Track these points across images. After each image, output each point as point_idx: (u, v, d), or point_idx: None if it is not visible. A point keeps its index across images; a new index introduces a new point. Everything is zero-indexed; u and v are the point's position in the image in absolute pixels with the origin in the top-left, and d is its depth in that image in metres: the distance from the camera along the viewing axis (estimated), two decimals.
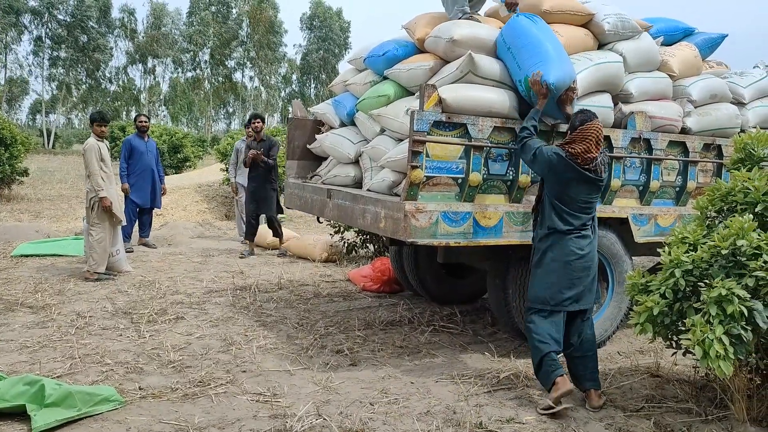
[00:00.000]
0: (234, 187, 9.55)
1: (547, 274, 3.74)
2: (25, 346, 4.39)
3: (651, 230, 4.88)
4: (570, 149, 3.67)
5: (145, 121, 8.51)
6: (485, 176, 4.16)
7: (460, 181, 4.11)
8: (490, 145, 4.12)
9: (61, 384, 3.40)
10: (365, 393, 3.82)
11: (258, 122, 8.30)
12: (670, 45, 5.41)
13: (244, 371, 4.11)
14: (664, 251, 3.39)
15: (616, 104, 4.72)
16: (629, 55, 4.73)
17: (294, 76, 61.95)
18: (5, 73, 50.45)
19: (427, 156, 3.94)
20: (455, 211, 4.05)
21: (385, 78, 4.92)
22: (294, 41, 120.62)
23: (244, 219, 8.73)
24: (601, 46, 4.81)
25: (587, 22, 4.72)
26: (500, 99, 4.17)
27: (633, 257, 4.99)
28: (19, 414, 3.25)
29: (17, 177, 13.51)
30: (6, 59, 49.70)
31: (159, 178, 8.55)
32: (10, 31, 48.01)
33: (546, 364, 3.65)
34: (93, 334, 4.72)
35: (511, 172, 4.26)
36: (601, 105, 4.52)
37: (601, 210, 4.65)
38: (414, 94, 4.63)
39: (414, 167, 3.88)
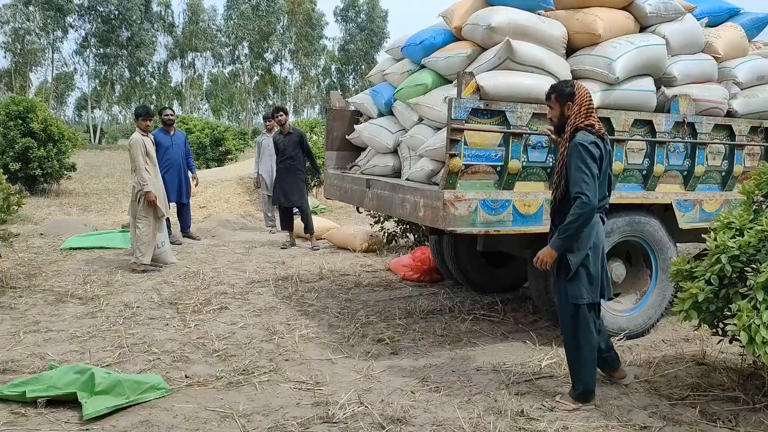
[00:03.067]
0: (257, 180, 9.70)
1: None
2: (76, 336, 4.55)
3: (696, 216, 4.76)
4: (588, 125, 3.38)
5: (171, 115, 8.50)
6: (524, 163, 4.12)
7: (499, 168, 4.08)
8: (529, 132, 4.07)
9: (110, 373, 3.51)
10: (406, 381, 3.85)
11: (282, 115, 8.22)
12: (715, 26, 5.23)
13: (287, 360, 4.18)
14: (709, 237, 3.31)
15: (658, 88, 4.61)
16: (672, 37, 4.60)
17: (333, 68, 62.22)
18: (53, 71, 52.16)
19: (466, 144, 3.93)
20: (494, 199, 4.03)
21: (423, 67, 4.92)
22: (333, 33, 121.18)
23: (264, 211, 8.75)
24: (643, 29, 4.69)
25: (628, 5, 4.60)
26: (539, 84, 4.11)
27: (677, 244, 4.88)
28: (70, 401, 3.37)
29: (65, 172, 13.92)
30: (53, 57, 51.34)
31: (189, 170, 8.53)
32: (56, 30, 49.57)
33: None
34: (140, 324, 4.87)
35: (550, 159, 4.21)
36: (643, 89, 4.42)
37: (645, 196, 4.56)
38: (452, 82, 4.61)
39: (452, 156, 3.87)
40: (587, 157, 3.28)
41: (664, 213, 4.72)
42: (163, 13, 54.70)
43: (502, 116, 4.01)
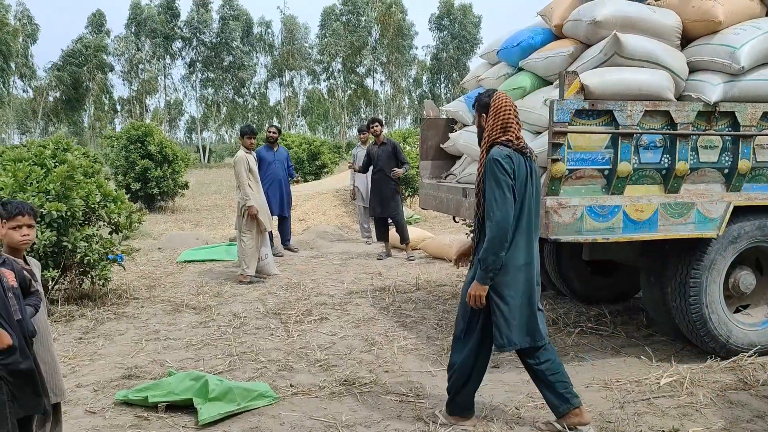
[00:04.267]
0: (352, 192, 9.80)
1: None
2: (191, 344, 4.78)
3: None
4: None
5: (275, 132, 8.79)
6: (636, 166, 3.85)
7: (606, 172, 3.83)
8: (640, 131, 3.80)
9: (222, 380, 3.67)
10: (510, 396, 3.69)
11: (377, 126, 8.28)
12: None
13: (387, 371, 4.15)
14: None
15: None
16: None
17: (424, 77, 62.52)
18: (165, 97, 56.12)
19: (569, 147, 3.72)
20: (602, 204, 3.79)
21: (521, 69, 4.75)
22: (423, 42, 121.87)
23: (360, 222, 8.78)
24: None
25: None
26: (651, 80, 3.84)
27: None
28: (187, 407, 3.54)
29: (179, 190, 14.87)
30: (165, 83, 55.29)
31: (288, 184, 8.76)
32: (165, 57, 53.42)
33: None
34: (248, 333, 5.03)
35: (666, 160, 3.90)
36: None
37: None
38: (552, 84, 4.41)
39: (555, 160, 3.69)
40: (499, 173, 2.99)
41: None
42: (263, 33, 57.40)
43: (610, 116, 3.76)
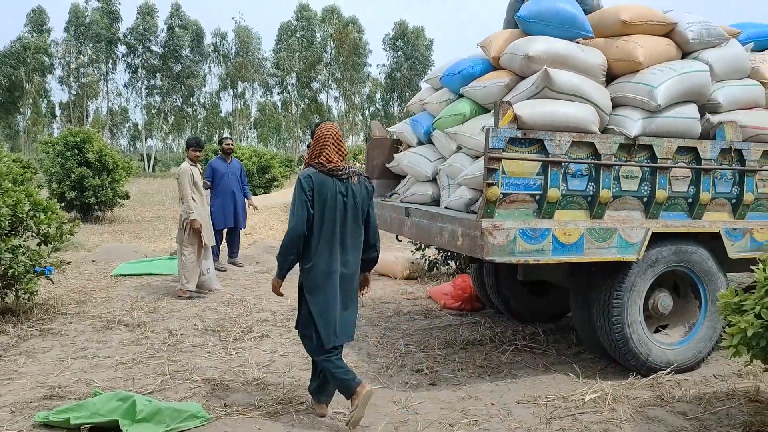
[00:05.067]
0: None
1: None
2: (121, 363, 4.66)
3: (746, 245, 4.58)
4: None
5: (231, 144, 8.89)
6: (564, 192, 4.07)
7: (537, 197, 4.04)
8: (568, 160, 4.03)
9: (151, 400, 3.58)
10: (444, 414, 3.80)
11: None
12: (762, 51, 5.10)
13: None
14: (758, 268, 3.18)
15: (702, 115, 4.50)
16: (716, 63, 4.51)
17: (378, 95, 63.10)
18: (107, 103, 54.59)
19: (504, 173, 3.91)
20: (533, 227, 3.98)
21: (461, 96, 4.95)
22: (378, 61, 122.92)
23: None
24: (685, 55, 4.61)
25: (669, 32, 4.53)
26: (578, 113, 4.08)
27: (728, 274, 4.70)
28: (112, 429, 3.44)
29: (119, 200, 14.44)
30: (107, 88, 53.82)
31: (244, 198, 8.82)
32: (107, 62, 52.06)
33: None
34: (183, 351, 4.96)
35: (591, 188, 4.14)
36: (687, 116, 4.33)
37: (691, 224, 4.43)
38: (490, 111, 4.61)
39: (490, 185, 3.86)
40: (297, 189, 3.51)
41: (713, 242, 4.56)
42: (218, 44, 56.78)
43: (541, 144, 3.98)
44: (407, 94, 60.01)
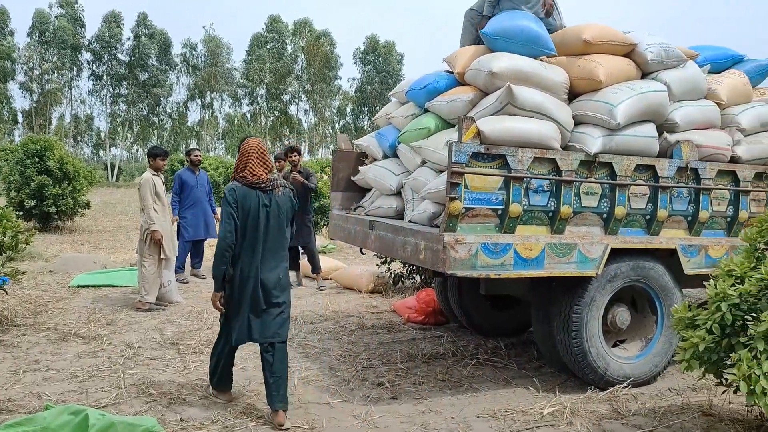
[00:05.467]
0: None
1: None
2: (75, 376, 4.53)
3: (701, 262, 4.70)
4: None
5: (199, 155, 8.78)
6: (526, 207, 4.12)
7: (499, 212, 4.08)
8: (529, 176, 4.08)
9: (104, 414, 3.46)
10: (405, 428, 3.78)
11: (295, 155, 8.30)
12: (719, 73, 5.28)
13: None
14: (710, 284, 3.26)
15: (661, 134, 4.62)
16: (674, 83, 4.64)
17: (348, 108, 63.23)
18: (70, 110, 53.48)
19: (466, 187, 3.94)
20: (495, 242, 4.01)
21: (426, 110, 4.98)
22: (348, 74, 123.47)
23: None
24: (644, 75, 4.73)
25: (630, 52, 4.66)
26: (540, 129, 4.14)
27: (684, 290, 4.81)
28: None
29: (79, 209, 14.09)
30: (71, 96, 52.76)
31: (211, 209, 8.76)
32: (71, 70, 51.08)
33: None
34: (140, 365, 4.85)
35: (552, 203, 4.20)
36: (645, 135, 4.44)
37: (648, 241, 4.53)
38: (455, 126, 4.65)
39: (452, 199, 3.88)
40: (223, 203, 3.77)
41: (670, 258, 4.67)
42: (188, 54, 56.28)
43: (503, 160, 4.02)
44: (378, 108, 60.27)
